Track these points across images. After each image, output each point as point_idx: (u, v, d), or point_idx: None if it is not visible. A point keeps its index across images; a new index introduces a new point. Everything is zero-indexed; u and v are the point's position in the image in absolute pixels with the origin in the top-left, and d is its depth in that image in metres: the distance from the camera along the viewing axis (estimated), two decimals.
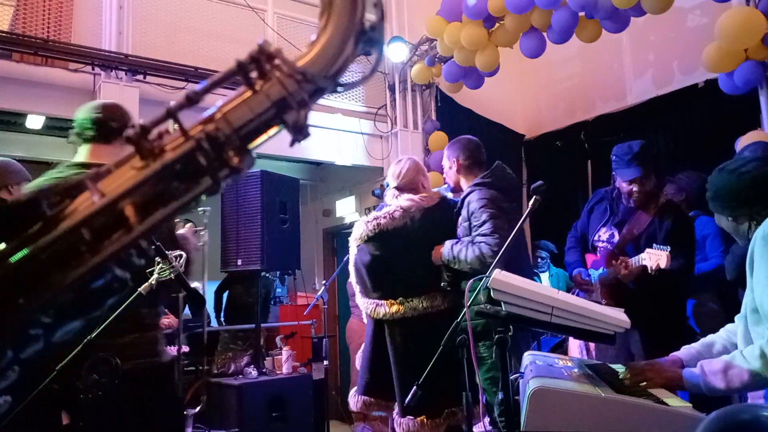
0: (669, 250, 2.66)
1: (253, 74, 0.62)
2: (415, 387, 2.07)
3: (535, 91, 6.78)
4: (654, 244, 2.74)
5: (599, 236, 3.07)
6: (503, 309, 1.70)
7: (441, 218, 2.95)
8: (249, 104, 0.63)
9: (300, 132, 0.64)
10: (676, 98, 5.15)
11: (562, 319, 1.64)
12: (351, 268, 3.09)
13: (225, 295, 5.84)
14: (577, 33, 4.87)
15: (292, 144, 0.66)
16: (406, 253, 2.90)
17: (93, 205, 0.59)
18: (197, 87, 0.62)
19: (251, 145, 0.65)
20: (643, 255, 2.72)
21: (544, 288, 1.71)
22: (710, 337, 1.91)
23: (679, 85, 5.15)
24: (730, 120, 4.27)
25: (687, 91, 5.04)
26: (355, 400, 3.00)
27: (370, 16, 0.63)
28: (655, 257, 2.67)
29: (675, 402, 1.51)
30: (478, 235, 2.73)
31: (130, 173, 0.62)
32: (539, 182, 2.15)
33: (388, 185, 3.15)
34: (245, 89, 0.64)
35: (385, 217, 2.93)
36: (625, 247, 2.93)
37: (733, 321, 1.86)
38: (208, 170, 0.60)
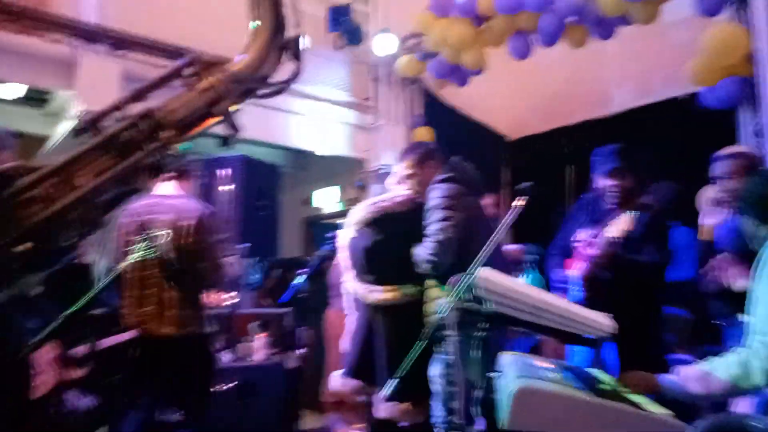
0: (634, 214, 2.71)
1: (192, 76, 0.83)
2: (394, 379, 2.08)
3: (519, 93, 6.82)
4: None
5: (577, 237, 3.09)
6: (487, 306, 1.71)
7: None
8: (183, 98, 0.86)
9: (231, 126, 0.84)
10: (656, 109, 5.24)
11: (547, 320, 1.66)
12: (344, 253, 3.08)
13: None
14: (564, 38, 4.91)
15: (224, 143, 0.84)
16: (406, 240, 2.91)
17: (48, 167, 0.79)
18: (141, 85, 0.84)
19: (189, 131, 0.84)
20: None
21: (530, 288, 1.73)
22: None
23: (660, 97, 5.24)
24: (708, 134, 4.36)
25: (667, 103, 5.14)
26: (341, 382, 3.00)
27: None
28: (617, 225, 2.73)
29: (655, 409, 1.54)
30: (426, 236, 2.78)
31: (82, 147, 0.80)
32: (527, 183, 2.17)
33: (390, 172, 3.18)
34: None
35: (389, 202, 2.96)
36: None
37: (702, 332, 1.91)
38: (142, 143, 0.80)
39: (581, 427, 1.43)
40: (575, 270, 2.98)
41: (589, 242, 2.95)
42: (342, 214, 7.01)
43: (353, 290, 3.05)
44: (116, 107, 0.79)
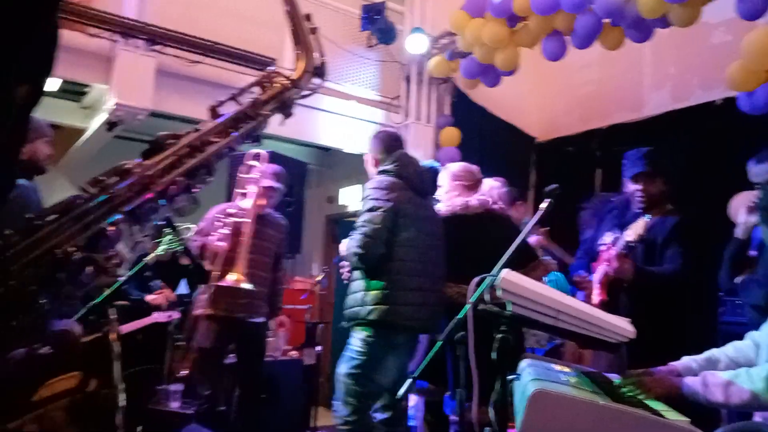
0: (648, 218, 2.67)
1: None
2: (410, 378, 2.07)
3: (551, 95, 6.74)
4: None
5: (602, 240, 3.04)
6: (509, 309, 1.69)
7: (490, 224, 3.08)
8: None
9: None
10: (692, 113, 5.11)
11: (568, 324, 1.63)
12: None
13: None
14: (599, 39, 4.83)
15: (255, 140, 0.93)
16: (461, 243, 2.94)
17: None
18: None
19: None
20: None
21: (552, 291, 1.70)
22: (714, 353, 1.90)
23: (697, 101, 5.11)
24: (745, 140, 4.24)
25: (703, 107, 5.01)
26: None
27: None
28: (633, 229, 2.68)
29: (673, 416, 1.50)
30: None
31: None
32: (554, 185, 2.13)
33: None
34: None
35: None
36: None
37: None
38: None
39: (596, 431, 1.40)
40: (596, 273, 2.94)
41: (609, 246, 2.90)
42: None
43: None
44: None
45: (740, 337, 1.89)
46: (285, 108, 0.86)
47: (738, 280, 2.82)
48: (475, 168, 3.41)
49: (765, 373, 1.55)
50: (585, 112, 6.31)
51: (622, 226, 2.98)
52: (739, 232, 2.90)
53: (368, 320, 2.72)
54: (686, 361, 1.88)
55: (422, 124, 6.24)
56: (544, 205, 2.23)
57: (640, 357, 2.45)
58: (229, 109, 0.90)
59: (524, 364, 1.93)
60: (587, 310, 1.69)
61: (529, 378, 1.62)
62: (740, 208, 2.98)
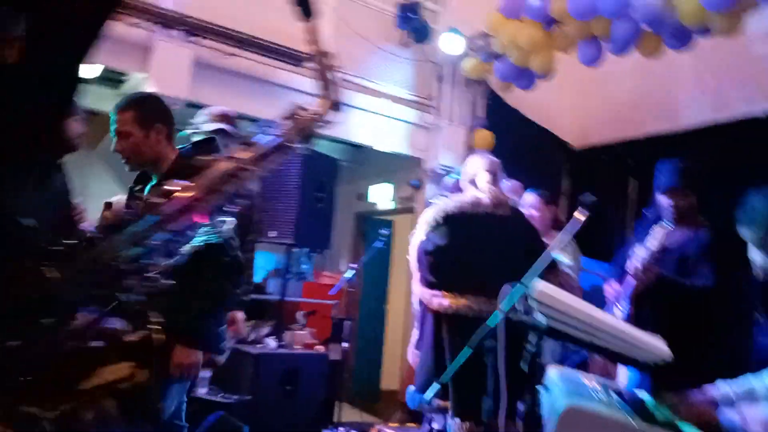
0: (665, 223, 2.62)
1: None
2: (437, 383, 2.07)
3: (586, 101, 6.65)
4: None
5: (633, 252, 2.99)
6: (544, 322, 1.67)
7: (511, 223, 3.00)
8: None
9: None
10: (732, 127, 5.01)
11: (600, 340, 1.62)
12: (412, 255, 3.07)
13: None
14: (637, 46, 4.76)
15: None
16: (471, 246, 2.88)
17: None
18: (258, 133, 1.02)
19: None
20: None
21: (585, 305, 1.68)
22: (751, 381, 1.86)
23: (738, 114, 5.00)
24: None
25: (746, 121, 4.90)
26: (418, 398, 2.88)
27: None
28: (652, 237, 2.65)
29: None
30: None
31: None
32: (591, 197, 2.11)
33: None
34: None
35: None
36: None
37: None
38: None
39: None
40: (627, 286, 2.90)
41: (637, 258, 2.86)
42: (394, 212, 7.04)
43: (419, 295, 3.01)
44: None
45: None
46: (308, 139, 0.96)
47: None
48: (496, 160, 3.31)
49: None
50: (620, 120, 6.22)
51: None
52: None
53: None
54: (723, 389, 1.84)
55: (455, 125, 6.22)
56: (579, 216, 2.21)
57: (665, 374, 2.41)
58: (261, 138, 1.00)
59: (553, 376, 1.92)
60: (621, 327, 1.67)
61: (560, 392, 1.61)
62: None
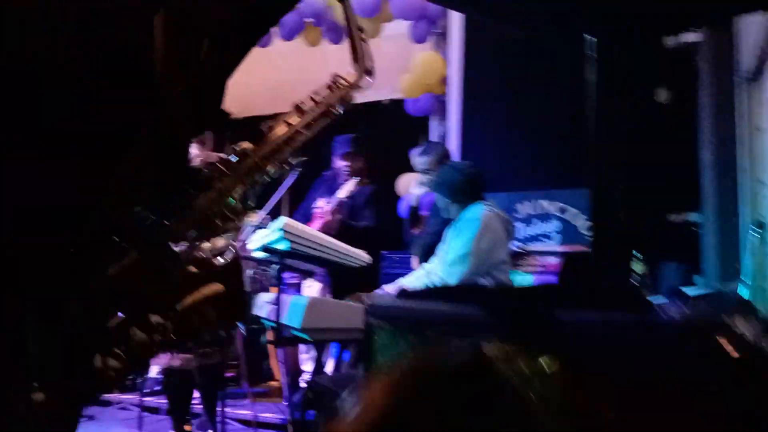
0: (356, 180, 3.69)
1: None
2: None
3: (249, 77, 7.22)
4: None
5: (316, 204, 3.80)
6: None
7: None
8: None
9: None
10: (368, 109, 6.26)
11: (329, 255, 2.29)
12: None
13: None
14: (302, 35, 5.61)
15: None
16: None
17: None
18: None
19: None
20: None
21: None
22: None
23: (375, 98, 6.27)
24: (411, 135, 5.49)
25: (375, 105, 6.19)
26: None
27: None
28: (345, 189, 3.62)
29: None
30: None
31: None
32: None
33: None
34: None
35: None
36: None
37: None
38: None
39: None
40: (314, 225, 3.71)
41: (323, 207, 3.70)
42: None
43: None
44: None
45: None
46: (346, 105, 1.09)
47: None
48: None
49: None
50: (280, 97, 6.99)
51: (331, 194, 3.80)
52: (412, 200, 3.97)
53: None
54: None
55: None
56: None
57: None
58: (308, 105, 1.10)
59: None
60: (338, 243, 2.38)
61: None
62: (411, 184, 4.06)
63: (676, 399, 1.07)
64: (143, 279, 0.95)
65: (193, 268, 0.99)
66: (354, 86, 1.11)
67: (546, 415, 0.52)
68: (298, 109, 1.07)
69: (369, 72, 1.11)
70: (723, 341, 1.13)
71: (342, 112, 1.10)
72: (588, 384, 0.57)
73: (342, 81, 1.10)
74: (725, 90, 3.80)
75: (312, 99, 1.09)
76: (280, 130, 1.06)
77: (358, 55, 1.11)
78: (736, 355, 1.11)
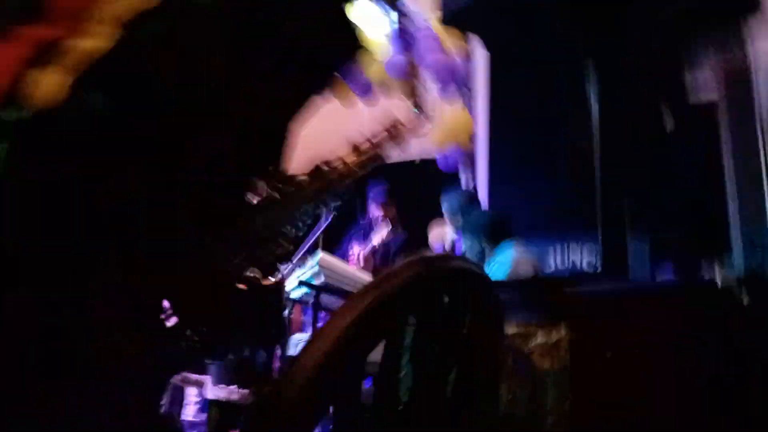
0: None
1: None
2: None
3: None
4: None
5: (351, 250, 4.01)
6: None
7: None
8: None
9: None
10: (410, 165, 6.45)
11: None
12: None
13: None
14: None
15: None
16: None
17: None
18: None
19: None
20: None
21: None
22: None
23: (410, 156, 6.48)
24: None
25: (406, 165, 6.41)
26: None
27: None
28: (378, 235, 3.82)
29: None
30: None
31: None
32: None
33: None
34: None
35: None
36: None
37: None
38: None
39: None
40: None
41: (359, 254, 3.91)
42: None
43: None
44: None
45: None
46: (400, 146, 1.09)
47: None
48: None
49: None
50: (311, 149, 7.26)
51: (366, 240, 4.03)
52: (446, 243, 4.13)
53: None
54: None
55: None
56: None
57: None
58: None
59: None
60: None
61: None
62: (441, 228, 4.23)
63: None
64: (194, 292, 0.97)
65: (242, 285, 1.05)
66: (412, 130, 1.13)
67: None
68: (355, 148, 1.09)
69: (428, 117, 1.16)
70: None
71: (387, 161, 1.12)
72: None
73: (399, 125, 1.13)
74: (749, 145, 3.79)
75: (368, 140, 1.11)
76: (336, 166, 1.07)
77: (417, 101, 1.16)
78: None
